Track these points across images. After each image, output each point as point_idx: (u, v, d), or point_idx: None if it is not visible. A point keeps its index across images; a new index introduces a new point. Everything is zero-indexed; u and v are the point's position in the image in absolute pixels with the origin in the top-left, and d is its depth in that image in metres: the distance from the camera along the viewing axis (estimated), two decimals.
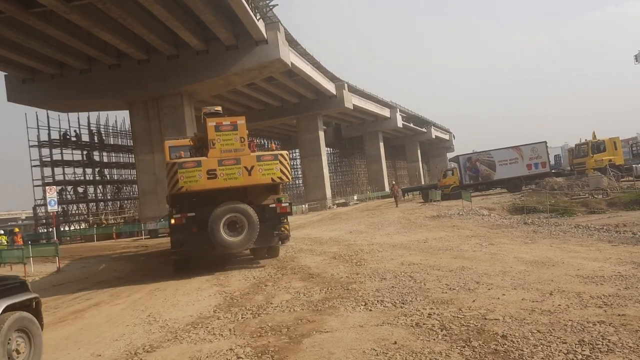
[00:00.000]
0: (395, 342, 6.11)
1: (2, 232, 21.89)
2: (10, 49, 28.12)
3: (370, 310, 7.81)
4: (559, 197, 28.01)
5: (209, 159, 13.05)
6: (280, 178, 13.65)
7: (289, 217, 14.80)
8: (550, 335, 5.87)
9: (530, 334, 5.95)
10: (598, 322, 6.20)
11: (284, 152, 14.09)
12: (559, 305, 7.05)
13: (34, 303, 6.49)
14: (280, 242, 14.74)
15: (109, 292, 12.81)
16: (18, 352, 5.85)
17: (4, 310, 5.76)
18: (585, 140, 39.42)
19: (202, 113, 14.55)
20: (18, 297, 6.16)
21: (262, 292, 10.27)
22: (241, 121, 13.74)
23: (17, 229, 21.59)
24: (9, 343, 5.70)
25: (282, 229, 14.32)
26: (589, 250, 11.90)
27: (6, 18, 24.02)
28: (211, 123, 13.37)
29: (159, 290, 11.96)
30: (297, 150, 71.51)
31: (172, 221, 13.44)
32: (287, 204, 14.34)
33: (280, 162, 13.60)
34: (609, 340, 5.59)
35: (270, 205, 13.96)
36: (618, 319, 6.25)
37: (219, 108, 14.94)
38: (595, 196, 27.47)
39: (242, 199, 13.54)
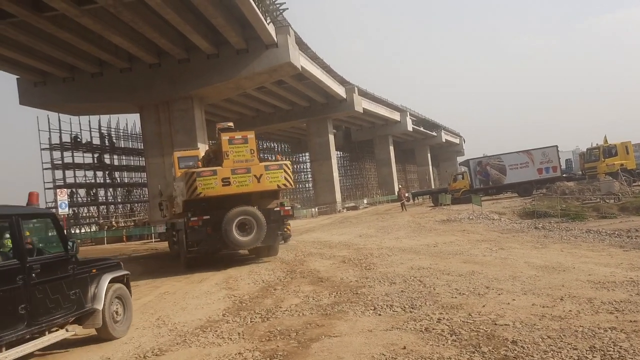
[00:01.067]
0: (405, 347, 6.09)
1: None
2: (23, 53, 28.35)
3: (380, 314, 7.79)
4: (570, 202, 27.83)
5: (223, 168, 14.62)
6: (284, 185, 15.41)
7: (291, 219, 16.86)
8: (561, 341, 5.82)
9: (540, 339, 5.91)
10: (609, 328, 6.14)
11: (288, 162, 15.88)
12: (570, 310, 7.00)
13: (126, 278, 8.58)
14: (283, 241, 16.53)
15: None
16: (117, 313, 8.09)
17: (109, 282, 7.86)
18: (597, 144, 39.23)
19: (216, 128, 16.15)
20: (117, 273, 8.25)
21: (271, 295, 10.26)
22: (251, 135, 15.51)
23: (27, 232, 21.54)
24: (112, 305, 7.89)
25: (285, 229, 16.04)
26: (600, 255, 11.82)
27: (18, 22, 24.23)
28: (225, 137, 15.03)
29: (168, 294, 11.99)
30: (307, 154, 71.56)
31: (190, 223, 14.74)
32: (289, 208, 16.20)
33: (285, 170, 15.35)
34: (620, 346, 5.54)
35: (275, 209, 15.56)
36: (630, 325, 6.19)
37: (231, 124, 16.64)
38: (607, 201, 27.27)
39: (251, 203, 15.08)
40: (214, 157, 15.88)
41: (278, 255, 16.98)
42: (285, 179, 15.28)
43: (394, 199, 57.52)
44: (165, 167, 31.20)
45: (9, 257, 6.42)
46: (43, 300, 6.56)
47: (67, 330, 7.18)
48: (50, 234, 7.82)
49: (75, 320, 7.39)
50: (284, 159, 17.21)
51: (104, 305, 7.61)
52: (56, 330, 7.00)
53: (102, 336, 7.89)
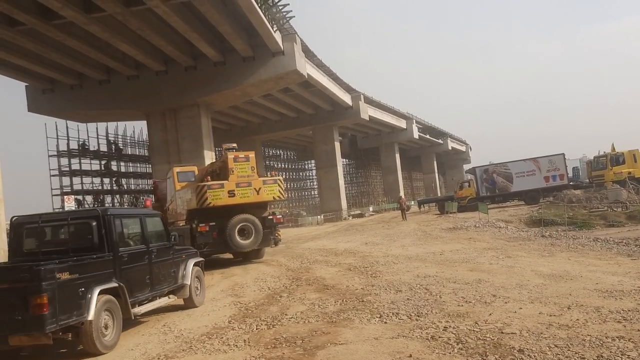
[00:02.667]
0: (411, 356, 6.06)
1: None
2: (31, 60, 28.56)
3: (386, 322, 7.77)
4: (577, 210, 27.75)
5: (229, 182, 17.02)
6: (278, 197, 18.16)
7: (281, 226, 20.25)
8: (568, 350, 5.79)
9: (547, 348, 5.88)
10: (617, 337, 6.10)
11: (281, 178, 18.90)
12: (577, 319, 6.96)
13: (201, 263, 11.49)
14: (274, 245, 19.15)
15: None
16: (197, 288, 10.99)
17: (193, 265, 10.80)
18: (604, 152, 39.10)
19: (223, 148, 19.16)
20: (197, 259, 11.27)
21: (277, 303, 10.26)
22: (251, 155, 18.11)
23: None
24: (194, 282, 10.76)
25: (277, 234, 18.67)
26: (608, 264, 11.76)
27: (27, 30, 24.42)
28: (231, 156, 17.48)
29: (174, 300, 11.99)
30: (312, 161, 71.60)
31: (199, 229, 16.82)
32: (280, 216, 19.37)
33: (279, 185, 18.06)
34: (628, 356, 5.50)
35: (268, 217, 18.13)
36: (638, 334, 6.15)
37: (235, 145, 19.38)
38: (615, 209, 27.19)
39: (249, 212, 17.48)
40: (220, 173, 18.11)
41: (284, 262, 17.17)
42: (279, 192, 18.00)
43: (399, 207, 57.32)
44: None
45: (138, 243, 9.36)
46: (157, 274, 9.56)
47: (169, 298, 10.13)
48: (158, 229, 10.30)
49: (170, 292, 10.17)
50: (277, 174, 20.01)
51: (190, 281, 10.54)
52: (162, 297, 9.86)
53: (188, 305, 10.68)
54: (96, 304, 7.48)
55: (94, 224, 8.48)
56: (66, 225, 8.78)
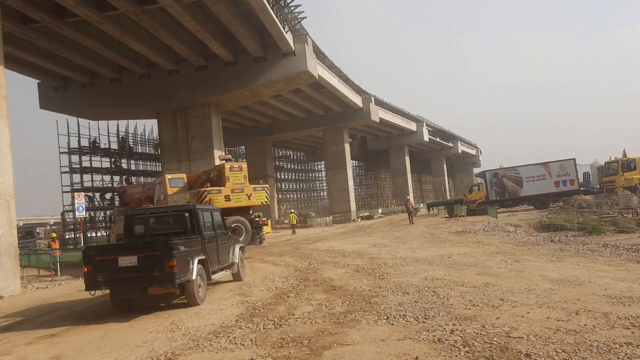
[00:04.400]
0: (417, 358, 6.06)
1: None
2: (44, 58, 28.79)
3: (392, 324, 7.76)
4: (587, 215, 27.59)
5: (226, 188, 19.91)
6: (265, 201, 21.63)
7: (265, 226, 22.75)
8: (576, 355, 5.76)
9: (555, 353, 5.85)
10: (625, 343, 6.07)
11: (267, 186, 22.04)
12: (585, 325, 6.93)
13: (243, 248, 15.02)
14: (259, 243, 21.65)
15: None
16: (241, 267, 14.10)
17: (239, 249, 14.06)
18: (616, 158, 38.83)
19: (220, 159, 22.52)
20: (241, 244, 14.88)
21: (285, 303, 10.27)
22: (244, 165, 21.45)
23: (54, 234, 21.79)
24: (240, 261, 13.91)
25: (262, 234, 21.19)
26: (617, 270, 11.69)
27: (41, 27, 24.63)
28: (227, 166, 20.50)
29: (182, 299, 12.04)
30: (322, 162, 71.61)
31: None
32: (265, 219, 22.57)
33: (266, 191, 21.34)
34: None
35: (255, 219, 20.66)
36: None
37: (230, 156, 23.52)
38: (625, 215, 27.01)
39: (239, 214, 20.17)
40: (217, 179, 20.68)
41: (292, 263, 17.21)
42: (266, 197, 21.38)
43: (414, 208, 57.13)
44: None
45: (211, 230, 12.31)
46: (221, 253, 12.62)
47: (225, 272, 13.13)
48: (220, 221, 13.28)
49: (226, 268, 13.09)
50: (264, 182, 23.33)
51: (238, 260, 13.68)
52: (222, 271, 12.80)
53: (235, 279, 13.74)
54: (196, 268, 10.60)
55: (187, 215, 11.74)
56: (167, 216, 12.14)
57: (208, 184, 20.16)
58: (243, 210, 20.46)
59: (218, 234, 12.56)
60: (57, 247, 20.59)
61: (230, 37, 29.27)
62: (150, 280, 10.03)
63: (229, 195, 19.71)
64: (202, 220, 11.80)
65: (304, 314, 9.01)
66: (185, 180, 21.90)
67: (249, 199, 20.17)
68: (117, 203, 43.45)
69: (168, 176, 22.20)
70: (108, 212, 29.92)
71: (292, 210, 47.90)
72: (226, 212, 18.52)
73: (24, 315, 12.05)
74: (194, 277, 10.50)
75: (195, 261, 10.66)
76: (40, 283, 18.49)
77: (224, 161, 21.13)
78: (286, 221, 52.18)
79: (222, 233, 13.01)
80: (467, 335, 6.82)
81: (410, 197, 54.97)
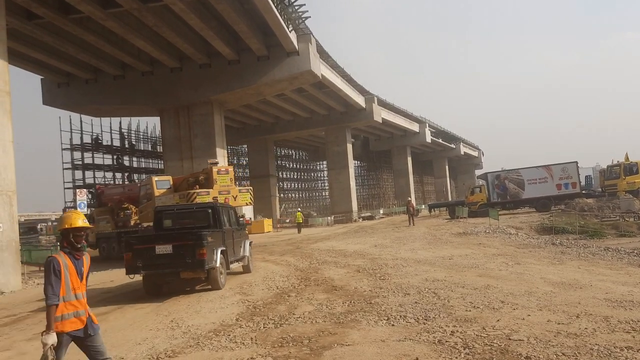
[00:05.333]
0: (417, 359, 6.06)
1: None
2: (48, 54, 28.83)
3: (393, 325, 7.75)
4: (588, 219, 27.51)
5: (214, 190, 20.89)
6: (249, 202, 23.16)
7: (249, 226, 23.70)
8: (576, 358, 5.75)
9: (555, 356, 5.84)
10: (625, 347, 6.06)
11: (251, 188, 23.37)
12: (586, 328, 6.91)
13: (252, 243, 16.52)
14: None
15: (133, 295, 12.98)
16: (250, 260, 15.63)
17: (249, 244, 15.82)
18: (618, 161, 38.75)
19: (208, 163, 22.85)
20: (250, 240, 16.30)
21: (285, 302, 10.28)
22: (230, 168, 22.72)
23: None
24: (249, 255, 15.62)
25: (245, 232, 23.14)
26: (618, 273, 11.66)
27: (45, 23, 24.67)
28: (215, 169, 21.58)
29: (183, 297, 12.06)
30: (324, 162, 71.60)
31: None
32: (249, 218, 24.04)
33: (250, 193, 22.52)
34: None
35: (240, 219, 22.85)
36: None
37: (217, 160, 24.29)
38: (627, 219, 26.93)
39: None
40: (205, 182, 21.72)
41: (293, 262, 17.28)
42: (250, 198, 22.64)
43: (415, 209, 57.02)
44: (183, 171, 31.49)
45: (228, 225, 13.91)
46: (236, 247, 14.20)
47: (238, 263, 14.64)
48: (235, 217, 14.96)
49: (237, 260, 14.40)
50: (248, 185, 24.15)
51: (248, 254, 15.38)
52: (235, 263, 14.29)
53: (245, 271, 15.27)
54: (219, 257, 12.31)
55: (210, 211, 13.51)
56: (192, 212, 14.07)
57: (197, 186, 21.35)
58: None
59: (233, 230, 14.24)
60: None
61: (234, 35, 29.28)
62: (183, 265, 11.79)
63: (217, 197, 20.45)
64: (221, 216, 13.52)
65: (304, 313, 9.01)
66: (171, 183, 23.01)
67: (235, 200, 21.13)
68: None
69: (155, 178, 23.52)
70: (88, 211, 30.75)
71: (299, 209, 47.93)
72: None
73: (24, 311, 12.07)
74: (217, 264, 12.31)
75: (219, 251, 12.38)
76: (41, 279, 18.49)
77: (212, 165, 22.24)
78: (287, 220, 52.33)
79: (236, 229, 14.57)
80: (467, 337, 6.81)
81: (412, 198, 54.86)
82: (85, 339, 4.85)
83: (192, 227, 13.09)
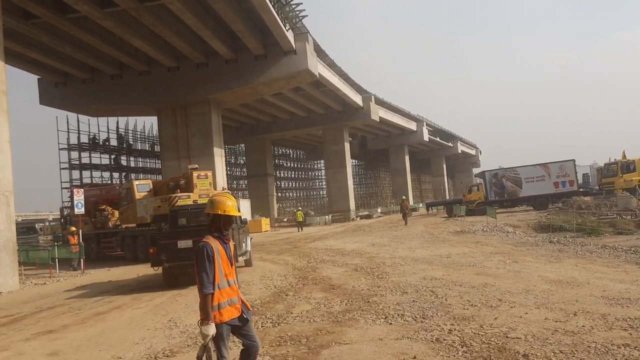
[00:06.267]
0: (415, 357, 6.06)
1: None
2: (45, 53, 28.77)
3: (391, 323, 7.76)
4: (586, 217, 27.55)
5: (194, 193, 22.24)
6: None
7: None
8: (573, 356, 5.76)
9: (552, 354, 5.86)
10: (623, 344, 6.07)
11: (229, 191, 21.94)
12: (583, 326, 6.93)
13: (252, 240, 17.82)
14: None
15: (131, 295, 12.98)
16: (250, 254, 17.06)
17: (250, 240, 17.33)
18: (615, 159, 38.82)
19: (189, 168, 23.86)
20: (250, 236, 17.63)
21: (283, 301, 10.28)
22: (209, 173, 24.09)
23: (73, 228, 21.72)
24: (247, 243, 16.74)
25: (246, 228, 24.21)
26: (616, 271, 11.69)
27: (42, 23, 24.61)
28: (195, 174, 22.86)
29: (181, 296, 12.07)
30: (322, 161, 71.56)
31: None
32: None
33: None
34: None
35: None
36: None
37: (197, 165, 24.97)
38: (624, 217, 26.98)
39: (204, 216, 21.50)
40: (185, 186, 22.90)
41: (290, 261, 17.34)
42: None
43: (409, 209, 56.95)
44: (181, 171, 31.49)
45: (237, 223, 14.74)
46: (240, 242, 14.89)
47: (242, 257, 15.78)
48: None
49: (241, 255, 15.29)
50: (226, 189, 25.34)
51: (250, 249, 16.74)
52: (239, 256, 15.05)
53: (247, 265, 16.56)
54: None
55: None
56: (203, 211, 13.61)
57: (178, 190, 22.63)
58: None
59: (239, 227, 15.24)
60: (76, 243, 20.62)
61: (231, 34, 29.24)
62: None
63: (197, 200, 21.59)
64: None
65: (302, 312, 9.02)
66: (151, 186, 24.37)
67: None
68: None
69: (135, 182, 24.93)
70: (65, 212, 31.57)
71: (299, 208, 47.94)
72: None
73: (22, 311, 12.05)
74: (249, 249, 15.31)
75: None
76: (39, 279, 18.48)
77: (192, 170, 23.42)
78: (285, 220, 52.32)
79: (239, 226, 15.35)
80: (465, 335, 6.82)
81: (410, 197, 54.80)
82: (242, 326, 4.69)
83: (203, 224, 13.85)
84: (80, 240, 20.87)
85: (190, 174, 22.96)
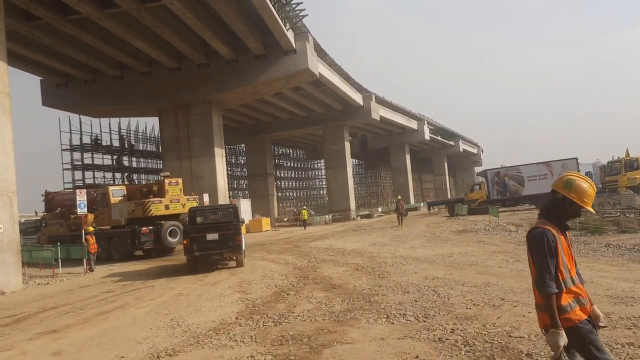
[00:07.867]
0: (417, 357, 6.05)
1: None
2: (47, 55, 28.81)
3: (392, 323, 7.74)
4: (589, 215, 27.48)
5: (165, 199, 23.84)
6: None
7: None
8: None
9: None
10: (627, 343, 6.05)
11: (197, 197, 25.69)
12: None
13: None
14: None
15: (133, 295, 12.97)
16: (244, 254, 18.11)
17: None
18: (618, 157, 38.75)
19: (161, 176, 25.94)
20: (242, 237, 17.51)
21: (284, 300, 10.27)
22: (180, 180, 25.33)
23: (91, 228, 21.66)
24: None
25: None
26: (619, 270, 11.66)
27: (43, 24, 24.63)
28: (167, 181, 24.33)
29: (183, 295, 12.06)
30: (322, 161, 71.46)
31: (142, 231, 22.92)
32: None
33: (196, 201, 24.78)
34: None
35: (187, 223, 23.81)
36: None
37: (168, 173, 26.90)
38: (627, 215, 26.92)
39: (175, 219, 24.17)
40: (157, 192, 24.40)
41: (291, 261, 17.34)
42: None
43: (410, 208, 56.91)
44: (182, 171, 31.51)
45: (234, 219, 16.92)
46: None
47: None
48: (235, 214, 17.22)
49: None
50: (194, 194, 26.54)
51: (244, 247, 17.52)
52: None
53: (238, 265, 17.11)
54: (244, 243, 16.05)
55: (232, 210, 17.41)
56: (218, 210, 17.77)
57: (151, 195, 24.26)
58: (176, 217, 24.47)
59: (240, 225, 17.27)
60: (94, 242, 20.62)
61: (232, 35, 29.25)
62: (226, 248, 16.42)
63: (168, 205, 23.76)
64: (239, 214, 17.70)
65: (303, 312, 9.00)
66: (125, 192, 25.78)
67: (183, 207, 23.68)
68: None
69: (111, 188, 26.56)
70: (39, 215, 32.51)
71: (304, 207, 47.91)
72: (164, 218, 23.64)
73: (25, 311, 12.05)
74: (244, 248, 17.23)
75: (244, 239, 16.87)
76: (42, 279, 18.47)
77: (164, 177, 25.08)
78: (285, 219, 52.28)
79: (240, 225, 17.52)
80: (467, 334, 6.80)
81: (411, 196, 54.70)
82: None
83: (219, 222, 16.92)
84: (83, 241, 20.79)
85: (162, 181, 24.74)
